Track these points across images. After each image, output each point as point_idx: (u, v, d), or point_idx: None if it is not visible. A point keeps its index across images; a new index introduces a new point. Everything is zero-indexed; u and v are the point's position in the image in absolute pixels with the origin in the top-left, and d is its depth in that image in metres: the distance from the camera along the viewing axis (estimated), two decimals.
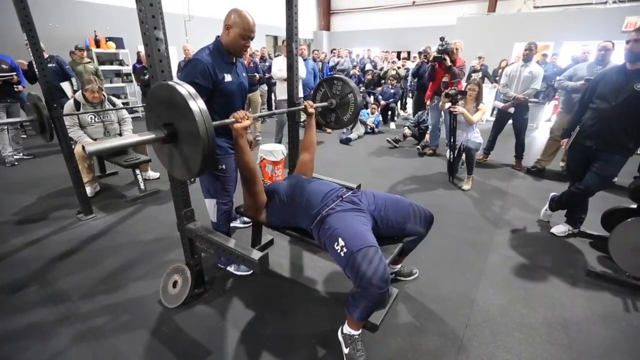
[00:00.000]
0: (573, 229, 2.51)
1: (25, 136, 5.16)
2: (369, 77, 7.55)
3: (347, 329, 1.48)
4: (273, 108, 7.64)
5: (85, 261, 2.17)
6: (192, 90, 1.13)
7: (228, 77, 1.71)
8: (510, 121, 4.07)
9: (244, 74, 1.90)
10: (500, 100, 4.15)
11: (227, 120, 1.45)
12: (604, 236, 2.24)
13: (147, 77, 4.74)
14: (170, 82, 1.15)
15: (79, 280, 1.97)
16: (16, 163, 4.08)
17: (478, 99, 3.40)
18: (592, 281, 2.03)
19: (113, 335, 1.59)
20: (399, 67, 7.54)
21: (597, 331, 1.66)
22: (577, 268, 2.16)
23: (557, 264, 2.20)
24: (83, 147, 1.00)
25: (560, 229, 2.55)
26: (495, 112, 4.47)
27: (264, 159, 3.27)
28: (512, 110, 3.92)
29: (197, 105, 1.10)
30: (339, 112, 2.19)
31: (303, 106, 1.99)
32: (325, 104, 2.18)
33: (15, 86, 3.98)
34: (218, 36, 1.73)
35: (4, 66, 3.85)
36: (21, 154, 4.30)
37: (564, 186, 2.59)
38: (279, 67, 4.42)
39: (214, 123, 1.22)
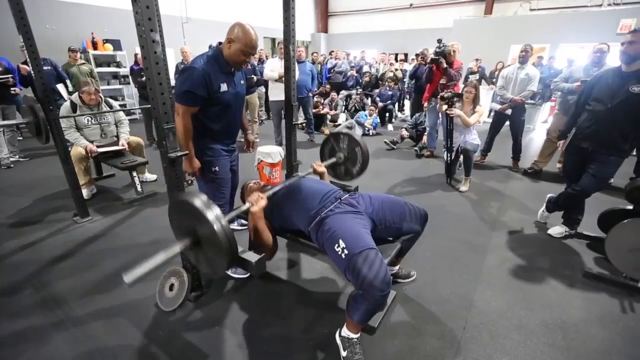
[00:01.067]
0: (570, 230, 2.52)
1: (21, 138, 5.13)
2: (367, 79, 7.57)
3: (345, 331, 1.47)
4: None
5: (81, 264, 2.15)
6: (205, 199, 1.20)
7: (224, 87, 1.70)
8: (507, 123, 4.09)
9: (242, 82, 1.88)
10: (497, 102, 4.17)
11: (243, 207, 1.48)
12: (601, 237, 2.24)
13: (144, 78, 4.74)
14: (185, 197, 1.22)
15: (74, 284, 1.96)
16: (12, 165, 4.06)
17: (475, 101, 3.41)
18: (589, 282, 2.03)
19: (109, 339, 1.58)
20: (396, 69, 7.56)
21: (595, 333, 1.66)
22: (574, 269, 2.16)
23: (555, 266, 2.21)
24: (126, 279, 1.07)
25: (557, 230, 2.56)
26: (492, 114, 4.49)
27: (261, 161, 3.26)
28: (509, 111, 3.95)
29: (214, 214, 1.16)
30: (347, 165, 2.23)
31: (311, 170, 1.99)
32: (333, 160, 2.21)
33: (11, 89, 3.95)
34: (220, 42, 1.72)
35: None
36: (17, 156, 4.28)
37: (561, 187, 2.59)
38: (271, 67, 4.43)
39: (230, 214, 1.39)
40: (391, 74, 7.10)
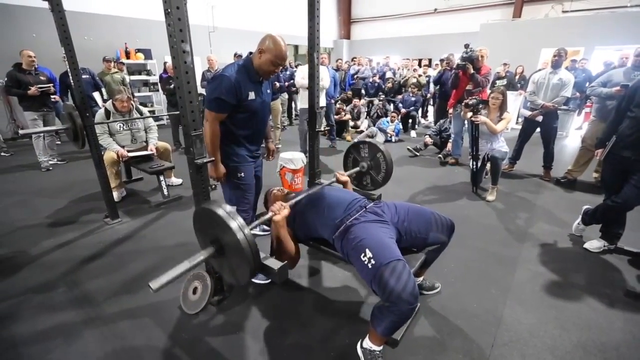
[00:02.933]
0: (609, 245, 2.35)
1: (59, 142, 5.45)
2: (389, 84, 7.51)
3: (367, 343, 1.44)
4: (293, 116, 7.75)
5: (110, 264, 2.24)
6: (229, 209, 1.23)
7: (252, 95, 1.75)
8: (538, 130, 3.91)
9: (269, 91, 1.94)
10: (527, 108, 4.00)
11: (266, 217, 1.48)
12: None
13: (172, 86, 4.92)
14: (209, 206, 1.25)
15: (104, 283, 2.03)
16: (51, 168, 4.32)
17: (502, 107, 3.29)
18: (631, 302, 1.88)
19: (134, 339, 1.62)
20: (419, 75, 7.45)
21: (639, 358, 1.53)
22: (614, 287, 2.01)
23: (592, 282, 2.06)
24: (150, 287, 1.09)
25: (594, 244, 2.40)
26: (520, 120, 4.31)
27: (283, 167, 3.29)
28: (540, 118, 3.77)
29: (237, 223, 1.19)
30: (372, 173, 2.24)
31: (335, 178, 1.99)
32: (357, 169, 2.23)
33: (52, 96, 4.22)
34: (251, 53, 1.77)
35: (42, 78, 4.11)
36: (55, 160, 4.55)
37: (598, 198, 2.44)
38: (302, 75, 4.47)
39: (254, 224, 1.36)
40: (414, 80, 7.01)
